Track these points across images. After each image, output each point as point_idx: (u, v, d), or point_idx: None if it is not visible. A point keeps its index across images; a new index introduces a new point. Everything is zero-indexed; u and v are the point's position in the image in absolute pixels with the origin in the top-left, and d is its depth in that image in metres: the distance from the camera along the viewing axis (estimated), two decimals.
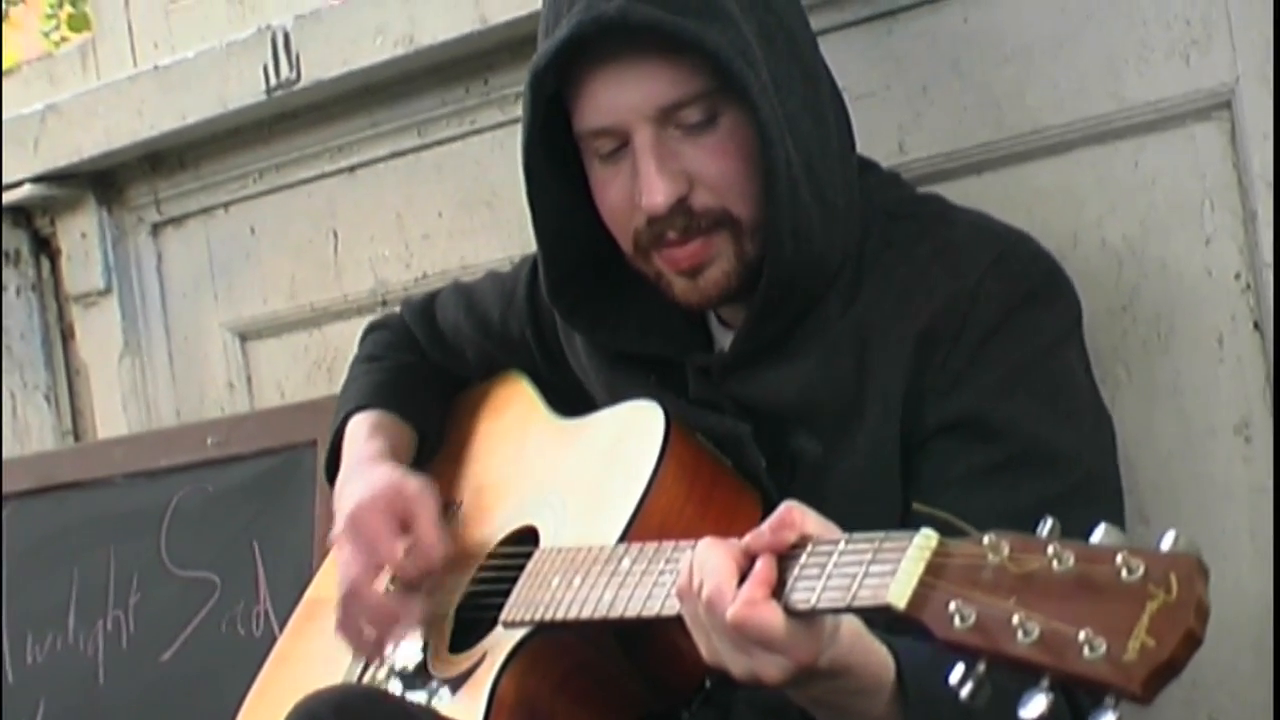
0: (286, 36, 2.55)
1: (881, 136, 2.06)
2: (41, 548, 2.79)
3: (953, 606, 1.20)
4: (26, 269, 3.05)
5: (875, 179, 1.84)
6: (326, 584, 2.15)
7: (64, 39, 4.29)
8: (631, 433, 1.78)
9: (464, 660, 1.78)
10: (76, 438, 3.07)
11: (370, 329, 2.27)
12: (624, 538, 1.67)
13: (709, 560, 1.39)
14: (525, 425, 2.04)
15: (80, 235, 2.93)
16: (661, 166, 1.69)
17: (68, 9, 4.43)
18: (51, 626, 2.76)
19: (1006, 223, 1.80)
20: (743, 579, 1.37)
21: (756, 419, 1.77)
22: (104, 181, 2.91)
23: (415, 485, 1.92)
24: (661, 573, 1.54)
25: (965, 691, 1.19)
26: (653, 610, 1.52)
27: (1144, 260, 1.96)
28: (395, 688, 1.86)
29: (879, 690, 1.44)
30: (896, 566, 1.26)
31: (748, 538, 1.40)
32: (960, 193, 1.93)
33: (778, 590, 1.35)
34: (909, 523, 1.30)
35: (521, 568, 1.76)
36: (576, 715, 1.70)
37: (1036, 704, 1.15)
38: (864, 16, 2.09)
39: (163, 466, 2.72)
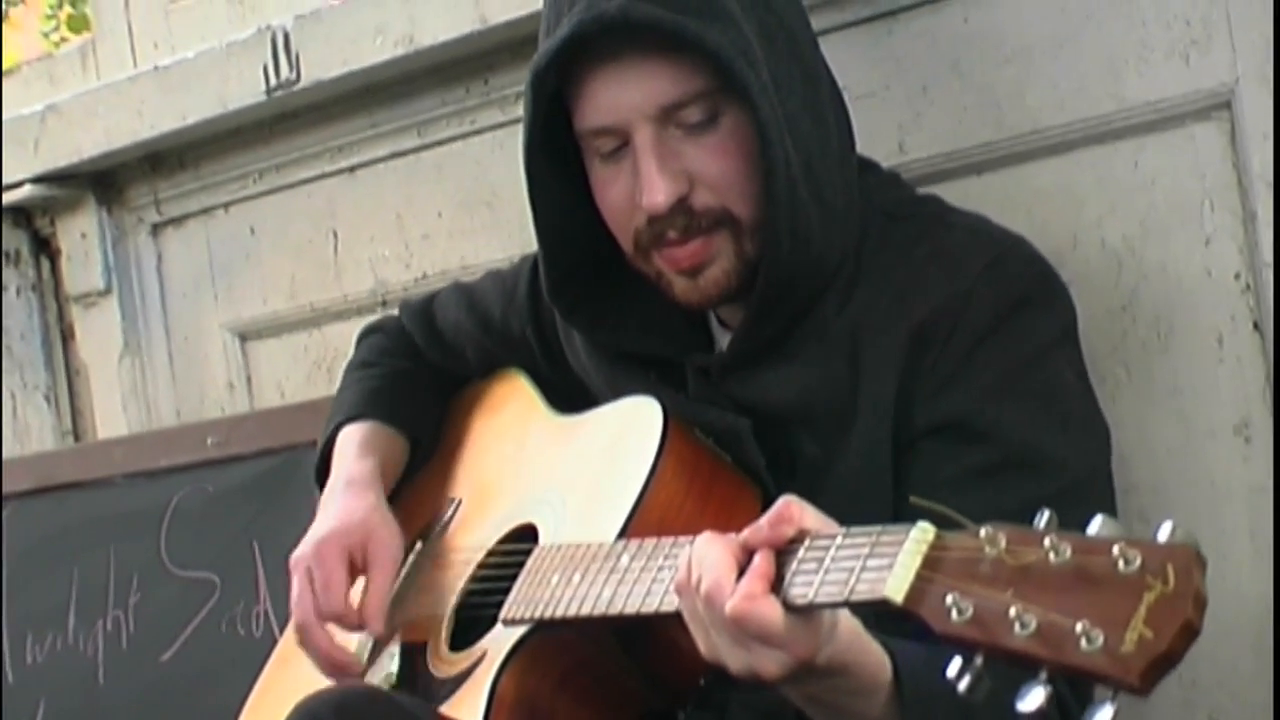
0: (286, 36, 2.55)
1: (881, 136, 2.06)
2: (41, 548, 2.79)
3: (950, 600, 1.21)
4: (26, 269, 3.05)
5: (875, 179, 1.85)
6: None
7: (64, 39, 4.29)
8: (630, 429, 1.78)
9: (464, 659, 1.78)
10: (76, 438, 3.07)
11: (365, 333, 2.26)
12: (623, 534, 1.67)
13: (707, 555, 1.40)
14: (524, 423, 2.04)
15: (80, 235, 2.93)
16: (662, 166, 1.70)
17: (68, 9, 4.43)
18: (51, 626, 2.76)
19: (1004, 227, 1.80)
20: (741, 574, 1.37)
21: (755, 419, 1.77)
22: (104, 182, 2.91)
23: (383, 534, 1.94)
24: (660, 569, 1.54)
25: (963, 685, 1.19)
26: (652, 607, 1.52)
27: (1144, 260, 1.96)
28: (396, 687, 1.87)
29: (876, 690, 1.44)
30: (894, 560, 1.26)
31: (746, 532, 1.40)
32: (960, 193, 1.93)
33: (776, 585, 1.35)
34: (906, 517, 1.30)
35: (521, 565, 1.76)
36: (577, 713, 1.70)
37: (1034, 696, 1.15)
38: (864, 16, 2.09)
39: (163, 466, 2.72)
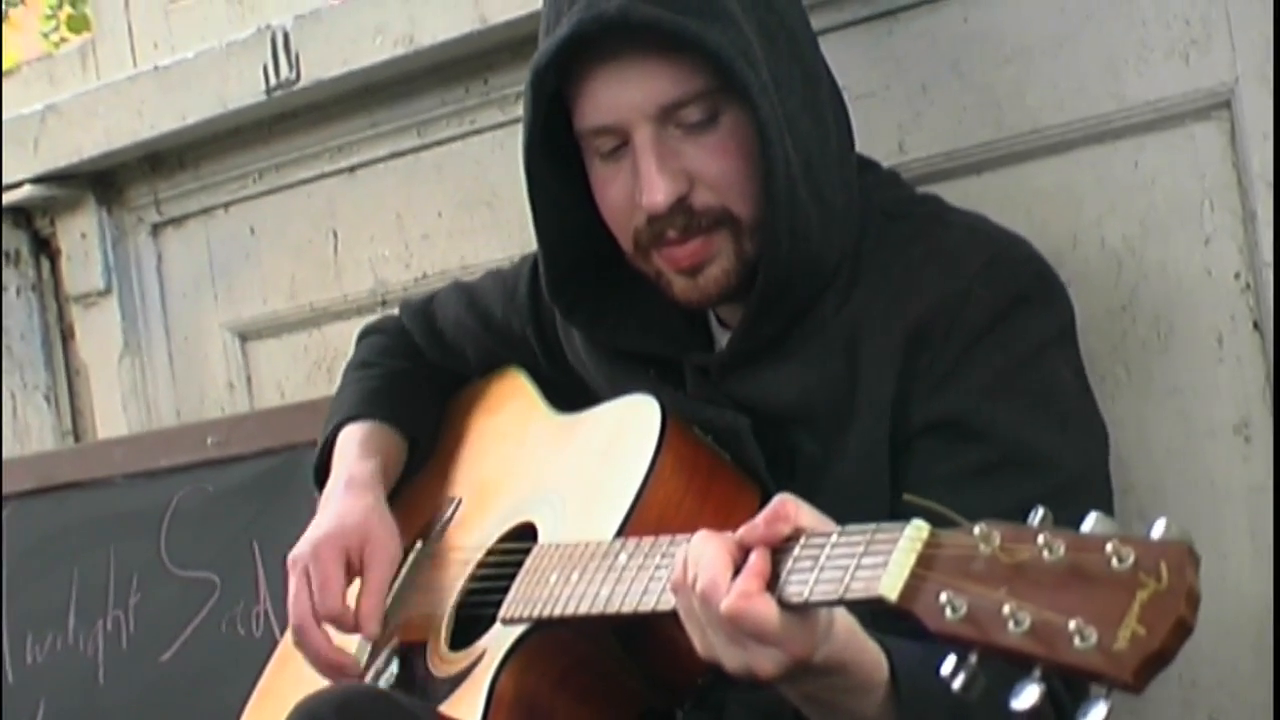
0: (286, 36, 2.55)
1: (881, 136, 2.06)
2: (41, 548, 2.79)
3: (944, 597, 1.20)
4: (26, 269, 3.05)
5: (874, 178, 1.85)
6: None
7: (64, 39, 4.29)
8: (628, 427, 1.78)
9: (463, 658, 1.78)
10: (76, 438, 3.07)
11: (364, 334, 2.27)
12: (621, 532, 1.67)
13: (703, 553, 1.40)
14: (524, 422, 2.04)
15: (80, 235, 2.93)
16: (662, 165, 1.70)
17: (67, 9, 4.43)
18: (51, 626, 2.75)
19: (1003, 226, 1.80)
20: (737, 572, 1.37)
21: (754, 417, 1.77)
22: (104, 182, 2.91)
23: (381, 537, 1.94)
24: (658, 567, 1.54)
25: (958, 683, 1.19)
26: (649, 605, 1.52)
27: (1143, 260, 1.96)
28: (395, 687, 1.87)
29: (872, 689, 1.43)
30: (888, 558, 1.26)
31: (742, 530, 1.40)
32: (960, 192, 1.93)
33: (772, 583, 1.35)
34: (903, 515, 1.30)
35: (520, 564, 1.76)
36: (576, 712, 1.70)
37: (1029, 694, 1.15)
38: (864, 16, 2.09)
39: (163, 466, 2.72)
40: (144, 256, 2.91)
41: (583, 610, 1.60)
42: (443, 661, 1.83)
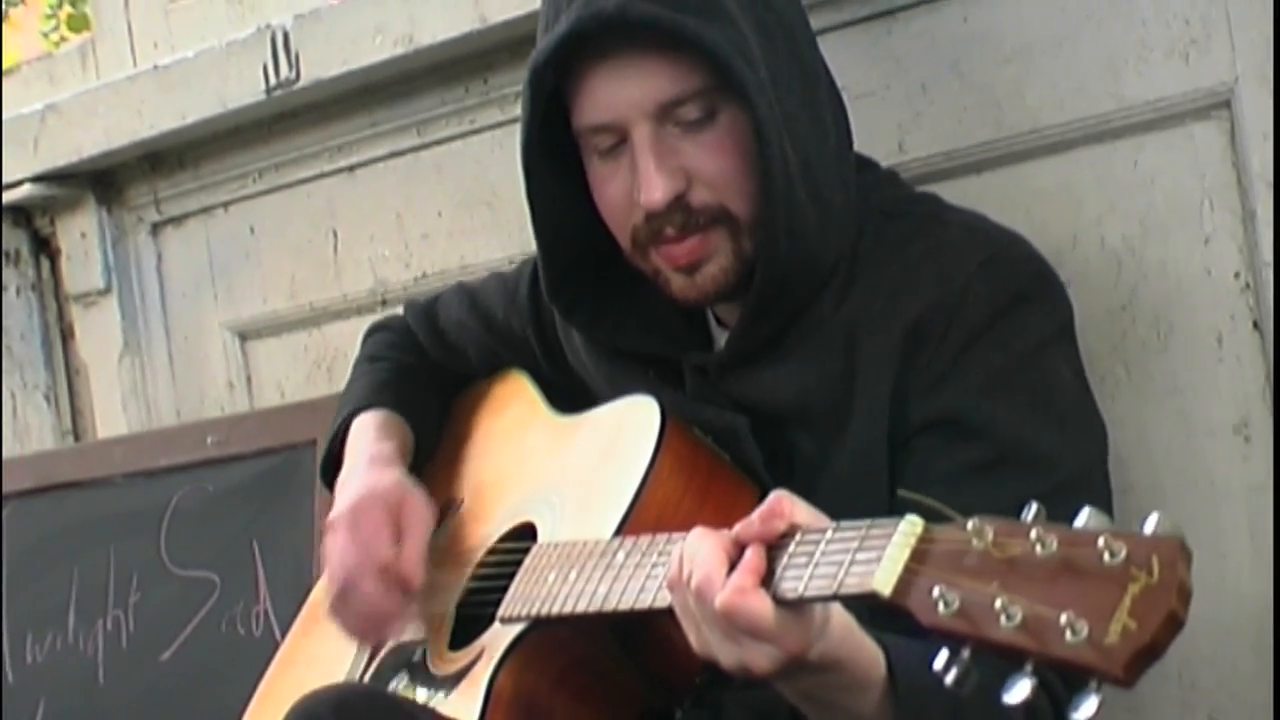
0: (286, 36, 2.55)
1: (881, 136, 2.06)
2: (41, 547, 2.79)
3: (936, 592, 1.21)
4: (26, 269, 3.05)
5: (872, 178, 1.84)
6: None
7: (63, 39, 4.29)
8: (628, 427, 1.78)
9: (462, 657, 1.78)
10: (76, 437, 3.07)
11: (372, 330, 2.27)
12: (620, 532, 1.67)
13: (699, 550, 1.40)
14: (525, 423, 2.04)
15: (80, 235, 2.93)
16: (660, 163, 1.70)
17: (67, 9, 4.43)
18: (51, 626, 2.76)
19: (1001, 224, 1.80)
20: (733, 569, 1.37)
21: (753, 417, 1.77)
22: (104, 181, 2.91)
23: (417, 499, 1.93)
24: (654, 565, 1.54)
25: (950, 677, 1.19)
26: (645, 602, 1.53)
27: (1143, 260, 1.96)
28: (394, 686, 1.86)
29: (869, 686, 1.43)
30: (882, 553, 1.27)
31: (737, 527, 1.40)
32: (959, 192, 1.93)
33: (767, 579, 1.35)
34: (898, 512, 1.31)
35: (519, 564, 1.76)
36: (574, 711, 1.70)
37: (1020, 688, 1.15)
38: (863, 16, 2.09)
39: (162, 466, 2.72)
40: (144, 256, 2.91)
41: (580, 608, 1.60)
42: (443, 660, 1.83)
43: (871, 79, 2.09)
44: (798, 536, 1.37)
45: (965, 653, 1.19)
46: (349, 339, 2.42)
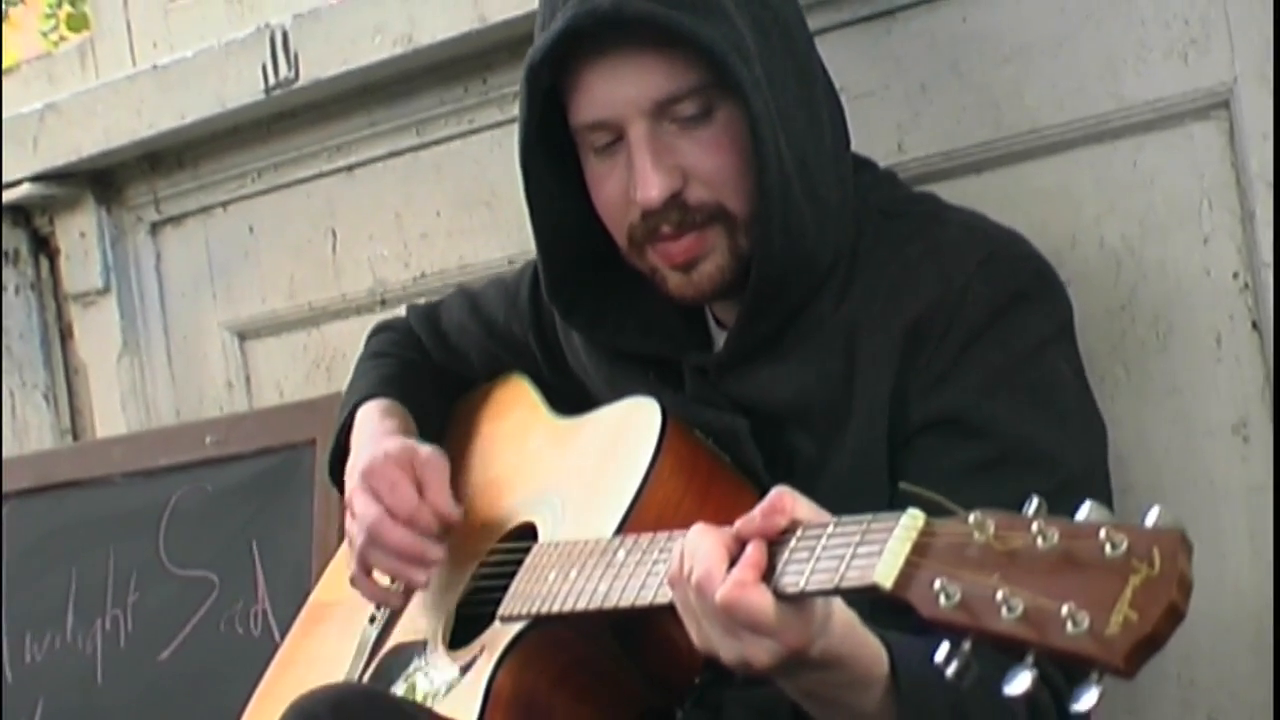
0: (285, 36, 2.55)
1: (880, 136, 2.06)
2: (40, 547, 2.79)
3: (938, 585, 1.21)
4: (25, 268, 3.05)
5: (870, 177, 1.84)
6: (331, 587, 2.16)
7: (63, 38, 4.29)
8: (628, 429, 1.78)
9: (462, 656, 1.78)
10: (75, 437, 3.07)
11: (376, 330, 2.27)
12: (620, 531, 1.67)
13: (699, 546, 1.40)
14: (526, 426, 2.04)
15: (79, 234, 2.93)
16: (656, 160, 1.70)
17: (67, 9, 4.43)
18: (50, 626, 2.76)
19: (1000, 223, 1.80)
20: (734, 564, 1.37)
21: (753, 418, 1.77)
22: (103, 181, 2.91)
23: (428, 451, 1.92)
24: (655, 562, 1.54)
25: (951, 670, 1.19)
26: (646, 600, 1.52)
27: (1142, 260, 1.96)
28: (393, 686, 1.86)
29: (871, 683, 1.43)
30: (883, 547, 1.27)
31: (739, 523, 1.40)
32: (958, 192, 1.93)
33: (767, 574, 1.35)
34: (897, 505, 1.31)
35: (520, 564, 1.76)
36: (574, 710, 1.70)
37: (1021, 680, 1.15)
38: (863, 16, 2.09)
39: (161, 466, 2.72)
40: (143, 255, 2.91)
41: (580, 606, 1.61)
42: (442, 660, 1.83)
43: (871, 79, 2.09)
44: (799, 532, 1.37)
45: (966, 645, 1.19)
46: (348, 339, 2.42)
